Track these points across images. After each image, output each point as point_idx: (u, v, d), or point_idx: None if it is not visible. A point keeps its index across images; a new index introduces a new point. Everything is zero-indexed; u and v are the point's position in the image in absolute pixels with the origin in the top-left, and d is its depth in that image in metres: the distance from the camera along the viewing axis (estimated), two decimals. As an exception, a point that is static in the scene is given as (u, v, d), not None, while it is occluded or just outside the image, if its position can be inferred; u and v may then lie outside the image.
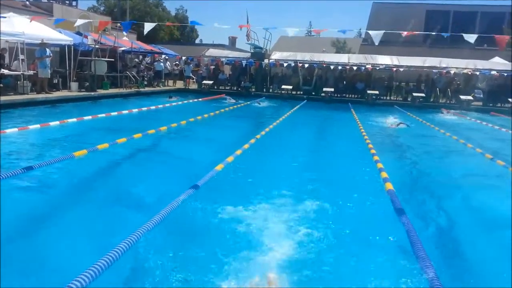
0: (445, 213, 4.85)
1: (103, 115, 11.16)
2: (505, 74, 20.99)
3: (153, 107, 14.02)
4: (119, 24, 21.53)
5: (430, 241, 3.85)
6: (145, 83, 21.03)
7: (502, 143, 10.56)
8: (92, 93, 15.62)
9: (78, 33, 17.74)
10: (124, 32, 20.45)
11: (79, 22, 16.18)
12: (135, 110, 12.89)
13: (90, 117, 10.49)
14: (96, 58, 16.77)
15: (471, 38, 11.79)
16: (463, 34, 12.02)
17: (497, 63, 23.00)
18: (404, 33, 13.11)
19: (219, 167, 5.82)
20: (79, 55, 16.17)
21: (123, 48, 20.18)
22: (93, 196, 4.91)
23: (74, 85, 15.65)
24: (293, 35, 17.42)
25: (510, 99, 20.10)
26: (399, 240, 3.77)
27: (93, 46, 17.01)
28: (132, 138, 8.01)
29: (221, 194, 4.86)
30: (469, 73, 21.43)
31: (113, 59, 18.10)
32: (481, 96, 21.49)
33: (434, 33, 13.32)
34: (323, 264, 3.32)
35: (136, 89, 19.08)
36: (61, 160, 5.95)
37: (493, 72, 20.91)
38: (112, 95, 16.76)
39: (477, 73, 21.31)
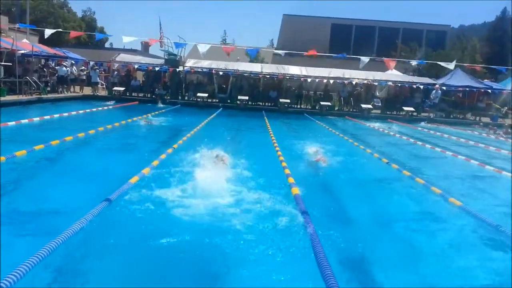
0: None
1: (-1, 125, 10.14)
2: (399, 85, 23.44)
3: (56, 115, 13.10)
4: (18, 25, 19.76)
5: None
6: (49, 89, 19.56)
7: (396, 148, 11.80)
8: (-15, 100, 14.16)
9: (-32, 34, 15.99)
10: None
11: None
12: (36, 119, 11.95)
13: (-18, 127, 9.50)
14: (-10, 61, 15.26)
15: (365, 59, 13.11)
16: (360, 57, 13.28)
17: (393, 74, 25.56)
18: (306, 53, 14.10)
19: (134, 179, 5.68)
20: (-32, 58, 14.59)
21: (22, 51, 18.61)
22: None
23: (-38, 91, 14.07)
24: (204, 51, 17.76)
25: (404, 108, 22.47)
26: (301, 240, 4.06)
27: (-14, 48, 15.46)
28: (33, 150, 7.46)
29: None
30: (369, 83, 23.45)
31: (10, 63, 16.59)
32: (380, 104, 23.64)
33: (336, 55, 14.39)
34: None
35: (38, 96, 17.66)
36: None
37: (389, 83, 23.16)
38: (10, 103, 15.28)
39: (376, 83, 23.42)
